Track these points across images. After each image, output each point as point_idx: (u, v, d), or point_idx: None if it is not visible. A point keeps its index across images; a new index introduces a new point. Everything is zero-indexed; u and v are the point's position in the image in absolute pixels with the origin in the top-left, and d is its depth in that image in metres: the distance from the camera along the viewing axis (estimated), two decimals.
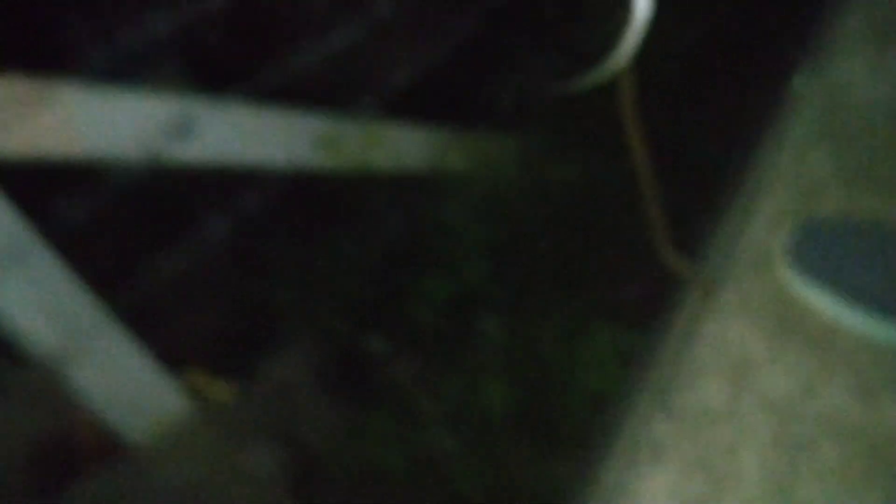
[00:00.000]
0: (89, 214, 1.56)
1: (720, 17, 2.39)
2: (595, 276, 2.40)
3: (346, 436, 2.06)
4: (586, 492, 1.14)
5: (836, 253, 1.09)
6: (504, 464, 1.99)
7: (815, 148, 1.28)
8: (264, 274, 2.33)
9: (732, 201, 1.28)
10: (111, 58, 1.63)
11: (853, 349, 1.04)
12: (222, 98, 1.82)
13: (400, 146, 2.16)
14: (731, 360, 1.05)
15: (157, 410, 1.65)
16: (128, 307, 1.74)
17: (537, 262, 2.27)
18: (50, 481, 1.58)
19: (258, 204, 1.93)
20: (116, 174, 1.61)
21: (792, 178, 1.24)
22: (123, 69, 1.67)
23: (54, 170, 1.54)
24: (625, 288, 2.23)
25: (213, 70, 2.01)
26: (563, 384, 1.97)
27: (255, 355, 2.10)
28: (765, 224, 1.19)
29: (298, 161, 1.91)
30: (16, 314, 1.39)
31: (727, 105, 2.27)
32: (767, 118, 1.46)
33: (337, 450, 2.02)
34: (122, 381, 1.53)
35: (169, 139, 1.65)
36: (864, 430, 0.99)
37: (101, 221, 1.63)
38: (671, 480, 0.96)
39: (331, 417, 2.07)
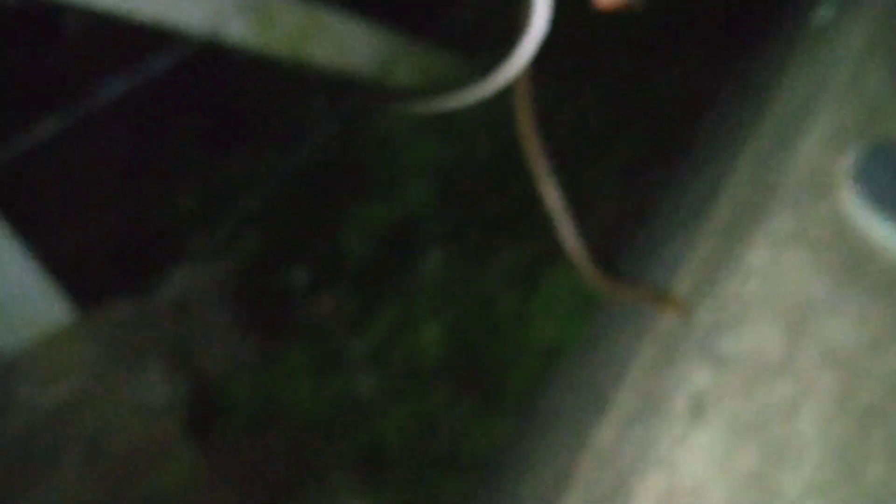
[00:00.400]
0: None
1: None
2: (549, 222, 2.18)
3: (254, 369, 1.77)
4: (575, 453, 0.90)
5: None
6: (434, 415, 1.75)
7: (873, 62, 1.06)
8: (168, 174, 2.00)
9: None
10: None
11: None
12: None
13: (344, 40, 1.84)
14: (787, 301, 0.83)
15: (37, 320, 1.32)
16: (7, 201, 1.41)
17: (489, 194, 2.01)
18: None
19: (166, 76, 1.59)
20: None
21: (848, 95, 1.03)
22: None
23: None
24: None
25: None
26: (511, 333, 1.73)
27: (155, 269, 1.78)
28: (820, 144, 0.97)
29: (221, 27, 1.55)
30: None
31: None
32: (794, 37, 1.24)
33: (242, 383, 1.74)
34: None
35: None
36: None
37: None
38: (717, 446, 0.73)
39: (238, 347, 1.78)
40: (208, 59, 1.76)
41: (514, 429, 1.59)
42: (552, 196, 0.86)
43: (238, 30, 1.57)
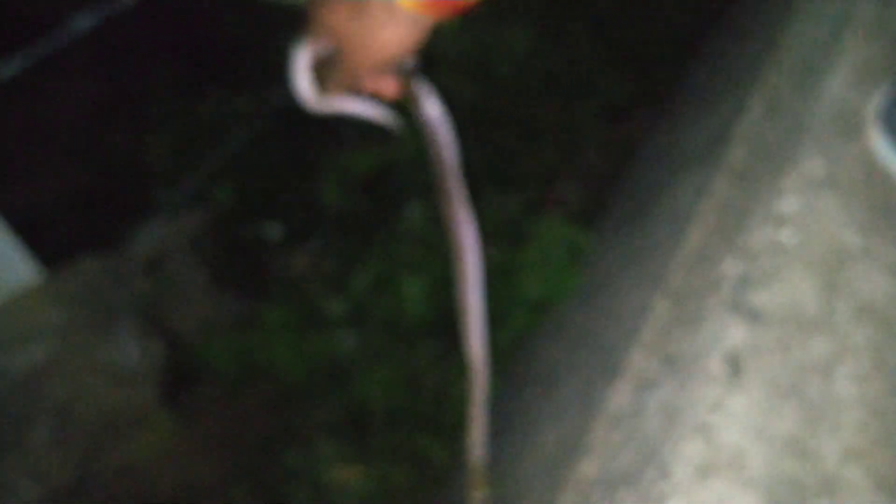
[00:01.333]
0: None
1: None
2: (535, 172, 2.10)
3: (230, 329, 1.69)
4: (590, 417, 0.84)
5: None
6: (418, 375, 1.69)
7: None
8: (136, 120, 1.88)
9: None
10: None
11: None
12: None
13: None
14: (821, 251, 0.77)
15: (1, 282, 1.23)
16: None
17: (472, 143, 1.93)
18: None
19: (135, 11, 1.47)
20: None
21: (875, 31, 0.96)
22: None
23: None
24: (565, 186, 1.95)
25: None
26: (497, 288, 1.66)
27: (124, 224, 1.68)
28: (846, 82, 0.90)
29: None
30: None
31: None
32: None
33: (219, 344, 1.66)
34: None
35: None
36: None
37: None
38: (755, 410, 0.67)
39: (213, 306, 1.70)
40: None
41: (501, 389, 1.53)
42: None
43: None
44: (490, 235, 1.79)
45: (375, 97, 0.77)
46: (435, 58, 2.02)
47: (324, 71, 0.75)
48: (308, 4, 0.74)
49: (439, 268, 1.78)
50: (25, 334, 1.20)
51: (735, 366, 0.67)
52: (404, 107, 0.77)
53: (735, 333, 0.70)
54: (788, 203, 0.79)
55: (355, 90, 0.76)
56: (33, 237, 1.39)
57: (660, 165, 1.55)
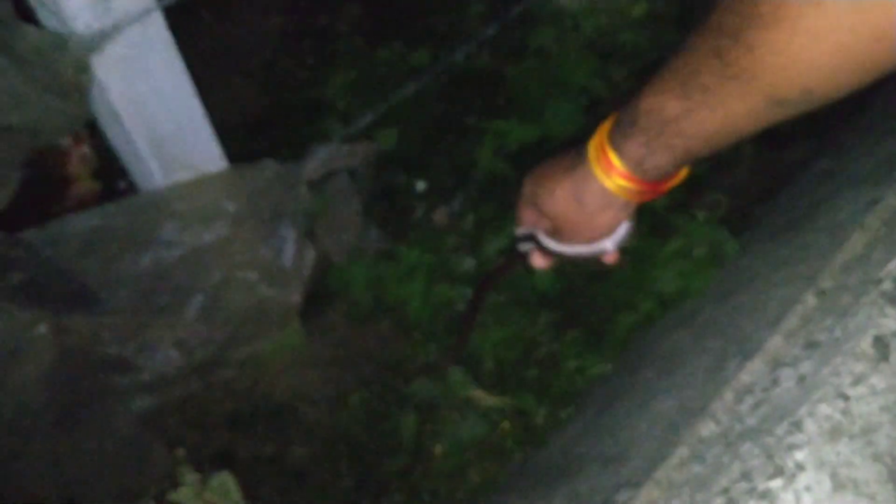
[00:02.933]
0: None
1: None
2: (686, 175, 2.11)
3: (369, 259, 1.79)
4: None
5: None
6: (532, 342, 1.74)
7: None
8: (320, 54, 2.02)
9: None
10: None
11: None
12: None
13: None
14: None
15: (192, 162, 1.35)
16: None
17: None
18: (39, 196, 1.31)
19: None
20: None
21: None
22: None
23: None
24: (713, 195, 1.94)
25: None
26: (631, 275, 1.69)
27: (298, 144, 1.81)
28: None
29: None
30: None
31: None
32: None
33: (357, 271, 1.76)
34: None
35: None
36: None
37: None
38: (893, 392, 0.69)
39: (359, 236, 1.80)
40: None
41: (618, 367, 1.57)
42: None
43: None
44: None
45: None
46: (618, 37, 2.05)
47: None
48: (527, 192, 0.88)
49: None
50: (202, 214, 1.33)
51: (884, 350, 0.70)
52: None
53: (888, 323, 0.72)
54: None
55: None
56: (220, 133, 1.50)
57: (820, 186, 1.55)
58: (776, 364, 0.83)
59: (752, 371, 0.87)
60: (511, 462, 1.56)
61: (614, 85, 2.19)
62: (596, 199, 0.76)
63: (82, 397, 1.30)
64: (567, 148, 0.84)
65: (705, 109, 0.61)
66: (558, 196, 0.80)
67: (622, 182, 0.73)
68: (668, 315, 1.55)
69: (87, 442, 1.33)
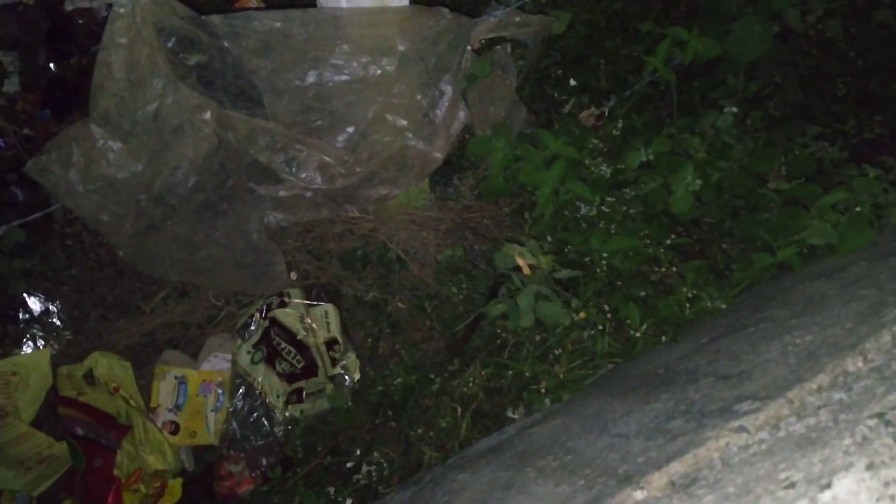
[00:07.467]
0: None
1: None
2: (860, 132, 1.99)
3: (513, 136, 1.76)
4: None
5: None
6: (652, 258, 1.70)
7: None
8: None
9: None
10: None
11: None
12: None
13: None
14: None
15: None
16: None
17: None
18: None
19: None
20: None
21: None
22: None
23: None
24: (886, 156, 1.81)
25: None
26: (780, 219, 1.61)
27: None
28: None
29: None
30: None
31: None
32: None
33: (498, 145, 1.73)
34: None
35: None
36: None
37: None
38: None
39: (509, 112, 1.78)
40: None
41: (737, 306, 1.52)
42: None
43: None
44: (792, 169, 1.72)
45: None
46: None
47: None
48: None
49: (726, 177, 1.74)
50: (374, 46, 1.32)
51: None
52: None
53: None
54: None
55: None
56: None
57: None
58: None
59: None
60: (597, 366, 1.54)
61: (807, 23, 2.05)
62: None
63: (226, 193, 1.35)
64: None
65: None
66: None
67: None
68: (808, 267, 1.48)
69: (220, 235, 1.38)
